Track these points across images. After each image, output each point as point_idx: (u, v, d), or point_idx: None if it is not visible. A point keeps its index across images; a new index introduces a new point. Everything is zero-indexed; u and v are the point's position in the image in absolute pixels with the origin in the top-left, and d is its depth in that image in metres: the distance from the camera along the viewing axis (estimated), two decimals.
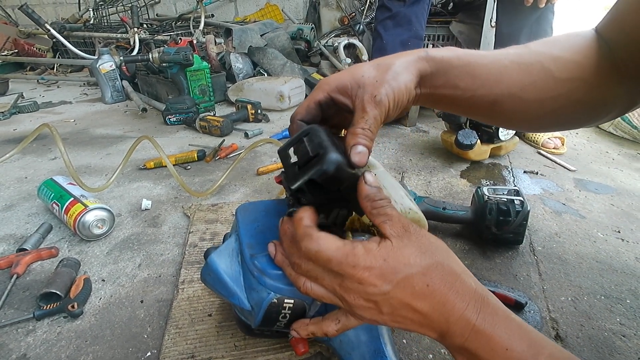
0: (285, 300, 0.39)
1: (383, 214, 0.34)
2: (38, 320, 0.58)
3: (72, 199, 0.78)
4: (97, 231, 0.76)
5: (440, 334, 0.31)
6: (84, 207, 0.76)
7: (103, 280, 0.67)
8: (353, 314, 0.35)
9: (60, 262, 0.68)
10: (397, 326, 0.34)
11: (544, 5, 1.13)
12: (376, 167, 0.43)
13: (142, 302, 0.62)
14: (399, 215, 0.34)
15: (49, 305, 0.59)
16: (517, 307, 0.60)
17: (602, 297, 0.63)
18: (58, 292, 0.60)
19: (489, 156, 1.12)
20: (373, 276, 0.31)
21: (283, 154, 0.37)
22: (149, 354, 0.53)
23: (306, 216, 0.34)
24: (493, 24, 1.44)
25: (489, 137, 1.09)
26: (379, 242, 0.33)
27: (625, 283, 0.66)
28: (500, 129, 1.07)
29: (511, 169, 1.09)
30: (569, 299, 0.63)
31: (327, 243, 0.33)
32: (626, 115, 1.30)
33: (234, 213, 0.47)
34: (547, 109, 0.41)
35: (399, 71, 0.37)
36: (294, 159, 0.36)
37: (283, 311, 0.40)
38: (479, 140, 1.06)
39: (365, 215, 0.35)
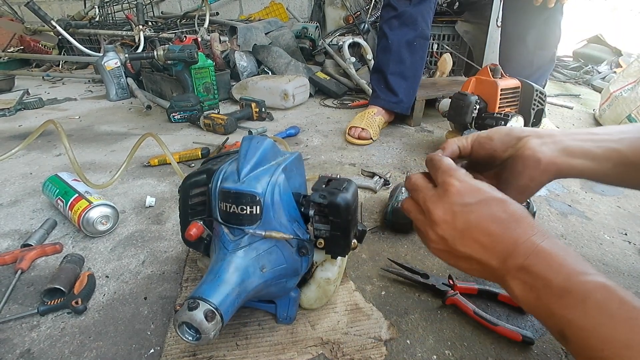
0: None
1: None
2: (42, 316, 0.58)
3: (77, 195, 0.79)
4: (101, 227, 0.77)
5: (503, 258, 0.35)
6: (88, 203, 0.76)
7: (107, 277, 0.67)
8: (431, 229, 0.39)
9: (64, 258, 0.68)
10: (464, 250, 0.37)
11: (553, 5, 1.11)
12: None
13: (145, 298, 0.62)
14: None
15: (53, 301, 0.59)
16: (522, 311, 0.59)
17: None
18: (62, 288, 0.60)
19: None
20: (462, 189, 0.38)
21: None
22: (152, 350, 0.53)
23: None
24: (499, 23, 1.43)
25: None
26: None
27: (632, 286, 0.65)
28: None
29: None
30: None
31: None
32: (633, 116, 1.29)
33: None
34: None
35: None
36: None
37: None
38: None
39: None
